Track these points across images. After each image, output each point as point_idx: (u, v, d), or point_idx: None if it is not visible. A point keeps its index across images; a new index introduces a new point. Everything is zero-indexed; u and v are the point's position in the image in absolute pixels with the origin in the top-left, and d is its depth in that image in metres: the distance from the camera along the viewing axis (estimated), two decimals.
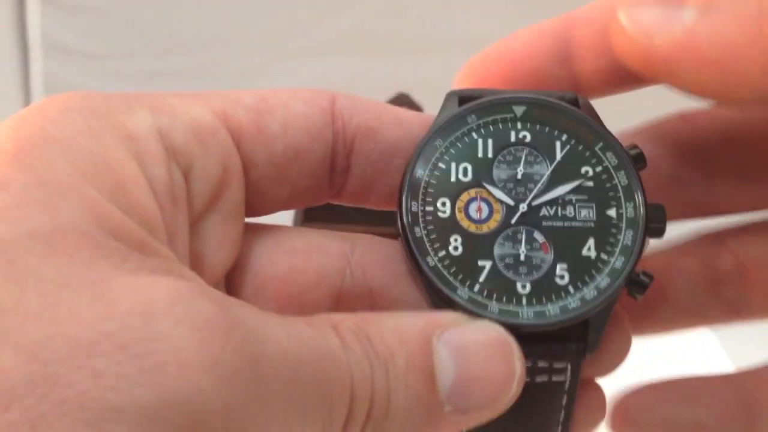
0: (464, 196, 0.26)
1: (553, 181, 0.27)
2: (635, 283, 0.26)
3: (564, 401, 0.26)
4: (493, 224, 0.26)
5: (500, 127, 0.27)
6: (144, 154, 0.23)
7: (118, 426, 0.18)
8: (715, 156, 0.30)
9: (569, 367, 0.26)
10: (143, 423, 0.18)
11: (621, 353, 0.27)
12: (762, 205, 0.30)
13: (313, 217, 0.51)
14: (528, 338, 0.24)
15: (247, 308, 0.21)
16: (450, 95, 0.28)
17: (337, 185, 0.28)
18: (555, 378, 0.26)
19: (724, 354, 0.69)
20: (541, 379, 0.26)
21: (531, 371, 0.25)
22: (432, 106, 0.29)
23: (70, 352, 0.19)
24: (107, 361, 0.19)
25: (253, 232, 0.27)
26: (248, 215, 0.27)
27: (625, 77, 0.28)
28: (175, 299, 0.20)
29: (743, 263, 0.30)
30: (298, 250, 0.27)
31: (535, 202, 0.26)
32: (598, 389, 0.28)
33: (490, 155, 0.27)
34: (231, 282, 0.27)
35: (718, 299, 0.30)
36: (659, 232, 0.26)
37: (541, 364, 0.25)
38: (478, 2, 0.72)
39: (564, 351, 0.25)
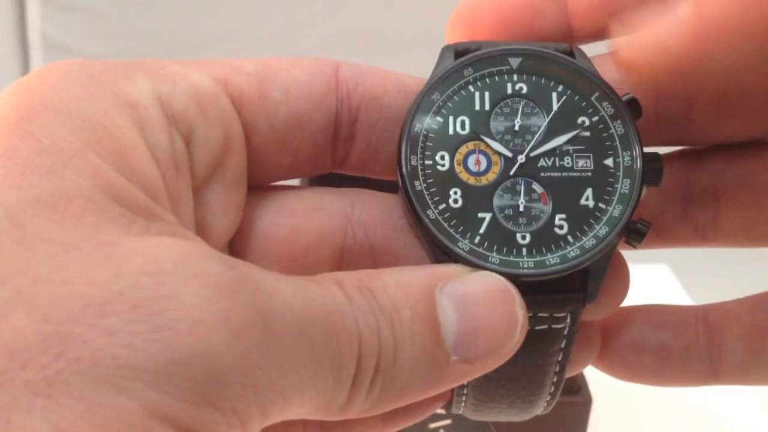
0: (463, 149, 0.26)
1: (551, 132, 0.27)
2: (633, 231, 0.26)
3: (563, 345, 0.27)
4: (491, 176, 0.26)
5: (496, 79, 0.27)
6: (145, 122, 0.23)
7: (135, 382, 0.19)
8: (694, 87, 0.30)
9: (569, 315, 0.26)
10: (159, 379, 0.19)
11: (617, 299, 0.27)
12: (741, 135, 0.29)
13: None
14: (528, 289, 0.25)
15: (253, 268, 0.22)
16: (446, 49, 0.28)
17: (341, 154, 0.28)
18: (554, 326, 0.26)
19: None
20: (540, 327, 0.26)
21: (531, 321, 0.25)
22: None
23: (83, 312, 0.19)
24: (120, 319, 0.19)
25: (254, 195, 0.27)
26: (250, 183, 0.27)
27: (617, 15, 0.28)
28: (183, 259, 0.20)
29: (719, 184, 0.30)
30: (298, 211, 0.27)
31: (533, 153, 0.26)
32: (592, 328, 0.29)
33: (487, 108, 0.27)
34: (234, 246, 0.27)
35: (688, 220, 0.30)
36: (656, 181, 0.26)
37: (542, 314, 0.26)
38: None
39: (564, 301, 0.26)
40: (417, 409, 0.29)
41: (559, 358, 0.27)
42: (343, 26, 0.78)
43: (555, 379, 0.27)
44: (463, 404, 0.29)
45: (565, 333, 0.26)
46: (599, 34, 0.29)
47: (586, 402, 0.58)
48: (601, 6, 0.28)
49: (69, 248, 0.20)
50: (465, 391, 0.28)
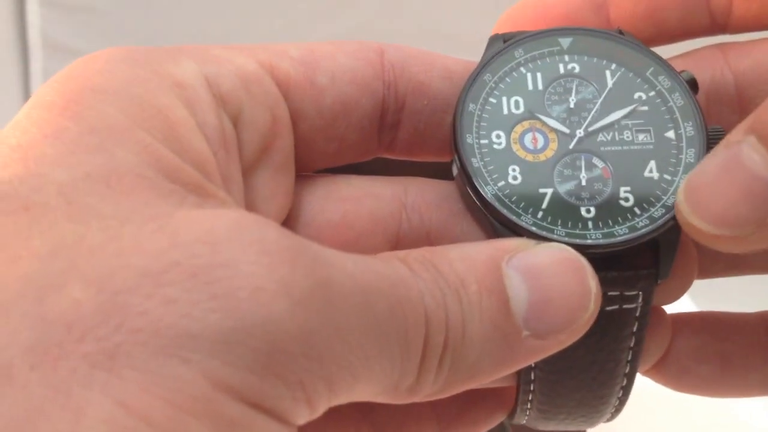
0: (518, 128, 0.26)
1: (607, 108, 0.26)
2: None
3: (635, 328, 0.25)
4: (550, 153, 0.26)
5: (548, 60, 0.27)
6: (193, 101, 0.23)
7: (197, 353, 0.18)
8: None
9: (641, 294, 0.25)
10: (221, 349, 0.18)
11: (687, 280, 0.26)
12: None
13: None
14: (597, 264, 0.24)
15: (309, 241, 0.21)
16: (494, 38, 0.27)
17: (387, 140, 0.27)
18: (625, 306, 0.25)
19: None
20: (611, 307, 0.25)
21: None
22: None
23: (139, 282, 0.18)
24: (178, 288, 0.18)
25: (301, 182, 0.27)
26: (298, 170, 0.26)
27: (661, 27, 0.28)
28: (239, 227, 0.19)
29: None
30: (349, 197, 0.26)
31: (591, 128, 0.26)
32: (663, 314, 0.27)
33: (540, 87, 0.26)
34: None
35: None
36: None
37: (612, 293, 0.25)
38: (479, 2, 0.72)
39: (636, 278, 0.25)
40: (476, 421, 0.28)
41: (632, 344, 0.26)
42: (343, 26, 0.78)
43: (627, 370, 0.26)
44: (528, 409, 0.27)
45: (638, 314, 0.25)
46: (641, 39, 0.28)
47: None
48: (645, 16, 0.28)
49: (122, 221, 0.19)
50: (531, 387, 0.26)
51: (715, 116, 0.27)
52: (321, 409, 0.20)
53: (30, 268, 0.18)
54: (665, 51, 0.28)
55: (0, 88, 0.69)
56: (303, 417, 0.20)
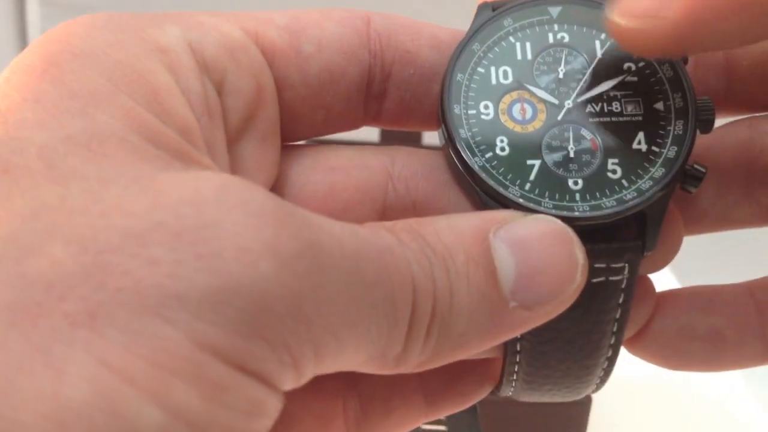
0: (506, 99, 0.26)
1: (596, 79, 0.26)
2: (689, 175, 0.25)
3: (620, 300, 0.25)
4: (538, 124, 0.25)
5: (537, 29, 0.26)
6: (176, 66, 0.23)
7: (181, 313, 0.17)
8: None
9: (627, 266, 0.25)
10: (206, 309, 0.18)
11: (673, 249, 0.26)
12: None
13: None
14: (584, 237, 0.23)
15: (296, 206, 0.21)
16: (483, 6, 0.27)
17: (373, 110, 0.27)
18: (612, 278, 0.25)
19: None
20: (597, 279, 0.25)
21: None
22: None
23: (123, 242, 0.18)
24: (162, 249, 0.18)
25: (287, 152, 0.26)
26: (284, 141, 0.26)
27: None
28: (225, 188, 0.19)
29: None
30: (336, 168, 0.26)
31: (580, 99, 0.26)
32: (647, 281, 0.27)
33: (529, 57, 0.26)
34: None
35: (752, 200, 0.28)
36: (709, 124, 0.26)
37: (598, 264, 0.24)
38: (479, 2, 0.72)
39: (622, 250, 0.24)
40: (463, 394, 0.28)
41: (617, 315, 0.25)
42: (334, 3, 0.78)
43: (613, 341, 0.26)
44: (514, 380, 0.27)
45: (623, 286, 0.25)
46: None
47: (586, 402, 0.57)
48: None
49: (104, 183, 0.19)
50: (517, 359, 0.26)
51: (702, 81, 0.27)
52: (307, 376, 0.20)
53: (10, 228, 0.18)
54: None
55: None
56: (289, 382, 0.19)
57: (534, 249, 0.23)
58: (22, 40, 0.70)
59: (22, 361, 0.16)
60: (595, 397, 0.57)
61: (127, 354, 0.17)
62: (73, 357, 0.17)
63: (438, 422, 0.50)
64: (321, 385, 0.27)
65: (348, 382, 0.27)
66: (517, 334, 0.24)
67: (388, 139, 0.58)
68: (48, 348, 0.17)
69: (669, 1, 0.22)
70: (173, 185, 0.19)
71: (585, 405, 0.57)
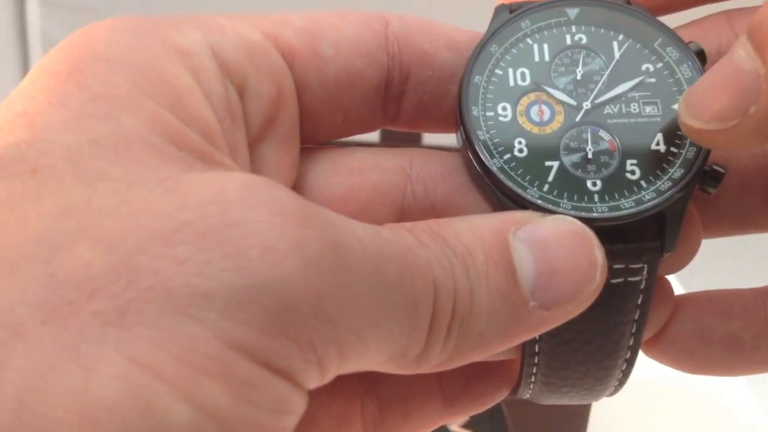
0: (524, 100, 0.26)
1: (614, 80, 0.26)
2: (708, 176, 0.25)
3: (639, 301, 0.25)
4: (556, 125, 0.25)
5: (554, 31, 0.26)
6: (198, 69, 0.23)
7: (209, 312, 0.18)
8: None
9: (646, 267, 0.25)
10: (234, 308, 0.18)
11: (691, 250, 0.26)
12: None
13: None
14: (603, 237, 0.24)
15: (319, 206, 0.21)
16: (500, 7, 0.27)
17: (391, 112, 0.27)
18: (631, 278, 0.25)
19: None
20: (616, 280, 0.25)
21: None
22: None
23: (150, 242, 0.18)
24: (189, 248, 0.18)
25: (306, 155, 0.26)
26: (303, 143, 0.26)
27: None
28: (249, 187, 0.19)
29: None
30: (355, 170, 0.26)
31: (598, 101, 0.26)
32: (666, 283, 0.27)
33: (546, 59, 0.26)
34: None
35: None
36: None
37: (617, 265, 0.25)
38: (478, 2, 0.72)
39: (641, 250, 0.25)
40: (482, 396, 0.28)
41: (636, 316, 0.25)
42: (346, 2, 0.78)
43: (631, 342, 0.26)
44: (532, 382, 0.27)
45: (642, 287, 0.25)
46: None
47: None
48: None
49: (130, 184, 0.19)
50: (536, 360, 0.26)
51: None
52: (331, 374, 0.20)
53: (39, 228, 0.18)
54: (670, 19, 0.28)
55: (0, 88, 0.69)
56: (314, 380, 0.19)
57: (553, 249, 0.23)
58: (22, 40, 0.70)
59: (53, 359, 0.17)
60: None
61: (157, 351, 0.17)
62: (104, 355, 0.17)
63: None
64: (339, 386, 0.27)
65: (366, 383, 0.27)
66: (537, 334, 0.24)
67: (387, 139, 0.59)
68: (79, 346, 0.17)
69: (750, 96, 0.22)
70: (198, 185, 0.19)
71: (585, 405, 0.58)
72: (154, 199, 0.19)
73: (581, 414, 0.58)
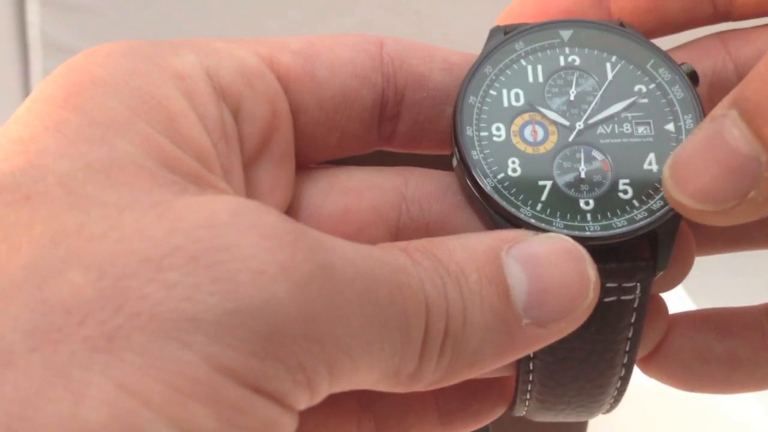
0: (518, 121, 0.26)
1: (607, 101, 0.26)
2: None
3: (633, 319, 0.25)
4: (549, 145, 0.26)
5: (548, 52, 0.27)
6: (193, 93, 0.23)
7: (197, 336, 0.18)
8: None
9: (639, 285, 0.25)
10: (221, 332, 0.18)
11: (684, 269, 0.26)
12: None
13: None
14: (595, 256, 0.24)
15: (309, 227, 0.21)
16: (495, 29, 0.27)
17: (387, 133, 0.27)
18: (624, 297, 0.25)
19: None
20: (609, 299, 0.25)
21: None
22: None
23: (140, 267, 0.18)
24: (178, 273, 0.18)
25: (301, 175, 0.27)
26: (299, 164, 0.26)
27: (663, 19, 0.28)
28: (238, 211, 0.20)
29: None
30: (350, 190, 0.26)
31: (591, 121, 0.26)
32: (660, 300, 0.27)
33: (540, 80, 0.26)
34: None
35: (764, 222, 0.28)
36: None
37: (610, 284, 0.25)
38: (479, 2, 0.72)
39: (634, 269, 0.25)
40: (478, 413, 0.28)
41: (630, 335, 0.26)
42: (343, 26, 0.78)
43: (626, 360, 0.26)
44: (527, 399, 0.27)
45: (636, 305, 0.25)
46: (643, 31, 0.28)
47: None
48: (646, 8, 0.28)
49: (122, 209, 0.19)
50: (531, 378, 0.26)
51: (713, 103, 0.27)
52: (322, 394, 0.20)
53: (31, 256, 0.18)
54: (665, 41, 0.28)
55: (0, 88, 0.70)
56: (304, 401, 0.20)
57: (546, 266, 0.23)
58: (22, 41, 0.70)
59: (42, 385, 0.17)
60: None
61: (144, 377, 0.17)
62: (92, 380, 0.17)
63: None
64: (335, 404, 0.27)
65: (363, 401, 0.28)
66: (531, 351, 0.24)
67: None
68: (67, 372, 0.17)
69: (750, 182, 0.22)
70: (189, 209, 0.20)
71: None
72: (146, 223, 0.19)
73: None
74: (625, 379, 0.27)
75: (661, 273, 0.25)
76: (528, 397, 0.27)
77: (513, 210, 0.24)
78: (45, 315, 0.18)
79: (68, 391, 0.17)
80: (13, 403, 0.17)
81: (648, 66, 0.27)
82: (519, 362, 0.26)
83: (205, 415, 0.18)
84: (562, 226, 0.24)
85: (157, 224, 0.19)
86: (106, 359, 0.17)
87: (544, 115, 0.26)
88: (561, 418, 0.28)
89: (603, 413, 0.28)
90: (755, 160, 0.22)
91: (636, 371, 0.27)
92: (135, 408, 0.17)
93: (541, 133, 0.26)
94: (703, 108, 0.26)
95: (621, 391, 0.27)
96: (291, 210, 0.26)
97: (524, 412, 0.28)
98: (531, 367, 0.26)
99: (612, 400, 0.28)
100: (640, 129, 0.26)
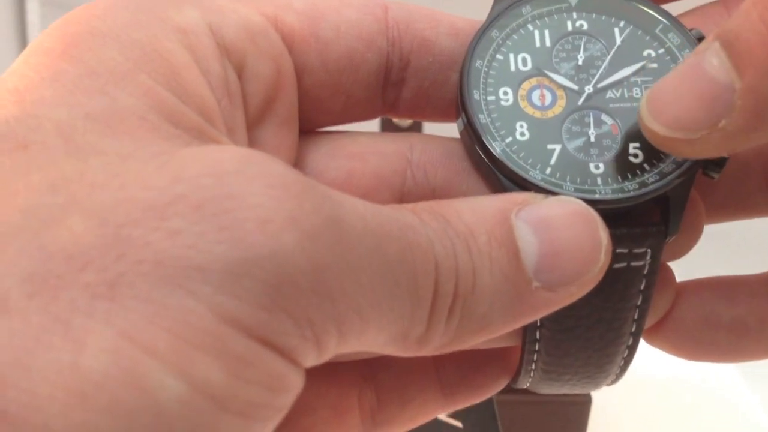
0: (525, 85, 0.25)
1: (615, 65, 0.26)
2: (712, 160, 0.25)
3: (642, 286, 0.25)
4: (558, 110, 0.25)
5: (555, 17, 0.26)
6: (196, 48, 0.22)
7: (203, 285, 0.17)
8: None
9: (649, 251, 0.24)
10: (229, 280, 0.17)
11: (694, 235, 0.26)
12: None
13: None
14: (606, 221, 0.23)
15: (317, 181, 0.20)
16: None
17: (391, 98, 0.27)
18: (633, 263, 0.25)
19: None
20: (619, 265, 0.24)
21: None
22: None
23: (143, 214, 0.18)
24: (183, 220, 0.18)
25: (305, 140, 0.26)
26: (302, 129, 0.26)
27: None
28: (245, 160, 0.19)
29: None
30: (355, 155, 0.26)
31: (600, 85, 0.25)
32: (667, 270, 0.27)
33: (548, 45, 0.26)
34: None
35: None
36: None
37: (620, 249, 0.24)
38: (479, 2, 0.72)
39: (644, 234, 0.24)
40: (481, 386, 0.28)
41: (639, 302, 0.25)
42: None
43: (634, 328, 0.26)
44: (532, 370, 0.27)
45: (645, 272, 0.25)
46: None
47: (586, 402, 0.57)
48: None
49: (124, 158, 0.19)
50: (537, 347, 0.26)
51: None
52: (329, 353, 0.19)
53: (29, 202, 0.18)
54: (671, 8, 0.28)
55: None
56: (311, 358, 0.19)
57: (557, 229, 0.22)
58: (22, 40, 0.70)
59: (41, 332, 0.16)
60: (595, 397, 0.57)
61: (148, 326, 0.17)
62: (94, 328, 0.16)
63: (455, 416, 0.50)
64: (336, 375, 0.26)
65: (364, 372, 0.27)
66: (540, 316, 0.23)
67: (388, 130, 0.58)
68: (68, 319, 0.16)
69: (723, 110, 0.22)
70: (194, 158, 0.19)
71: (585, 405, 0.57)
72: (149, 172, 0.18)
73: (581, 414, 0.58)
74: (632, 349, 0.26)
75: (672, 239, 0.25)
76: (533, 367, 0.27)
77: (522, 173, 0.24)
78: (44, 261, 0.17)
79: (68, 339, 0.16)
80: (7, 350, 0.16)
81: (657, 31, 0.26)
82: (525, 332, 0.26)
83: (211, 366, 0.17)
84: (573, 190, 0.24)
85: (159, 173, 0.18)
86: (109, 306, 0.17)
87: (552, 80, 0.26)
88: (566, 390, 0.28)
89: (607, 384, 0.28)
90: (730, 89, 0.22)
91: (634, 370, 0.27)
92: (138, 357, 0.16)
93: (549, 98, 0.25)
94: None
95: (627, 361, 0.27)
96: None
97: (528, 384, 0.28)
98: (537, 337, 0.26)
99: (618, 370, 0.27)
100: None
